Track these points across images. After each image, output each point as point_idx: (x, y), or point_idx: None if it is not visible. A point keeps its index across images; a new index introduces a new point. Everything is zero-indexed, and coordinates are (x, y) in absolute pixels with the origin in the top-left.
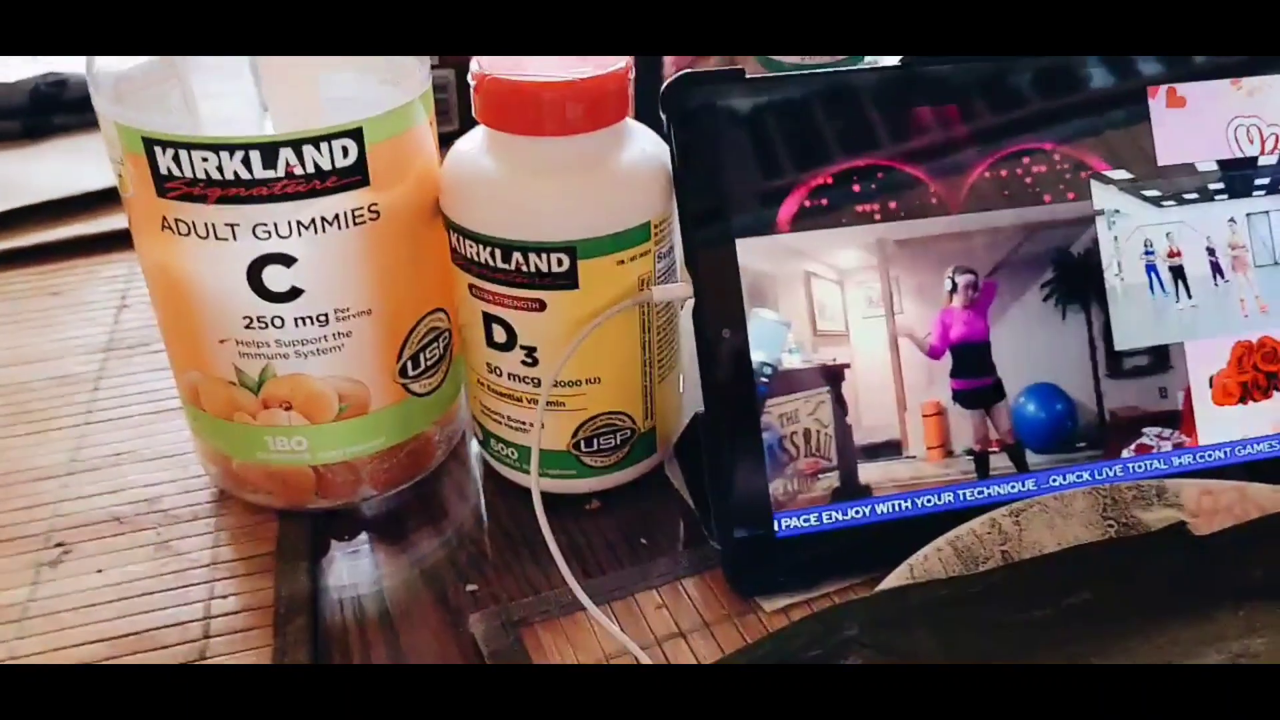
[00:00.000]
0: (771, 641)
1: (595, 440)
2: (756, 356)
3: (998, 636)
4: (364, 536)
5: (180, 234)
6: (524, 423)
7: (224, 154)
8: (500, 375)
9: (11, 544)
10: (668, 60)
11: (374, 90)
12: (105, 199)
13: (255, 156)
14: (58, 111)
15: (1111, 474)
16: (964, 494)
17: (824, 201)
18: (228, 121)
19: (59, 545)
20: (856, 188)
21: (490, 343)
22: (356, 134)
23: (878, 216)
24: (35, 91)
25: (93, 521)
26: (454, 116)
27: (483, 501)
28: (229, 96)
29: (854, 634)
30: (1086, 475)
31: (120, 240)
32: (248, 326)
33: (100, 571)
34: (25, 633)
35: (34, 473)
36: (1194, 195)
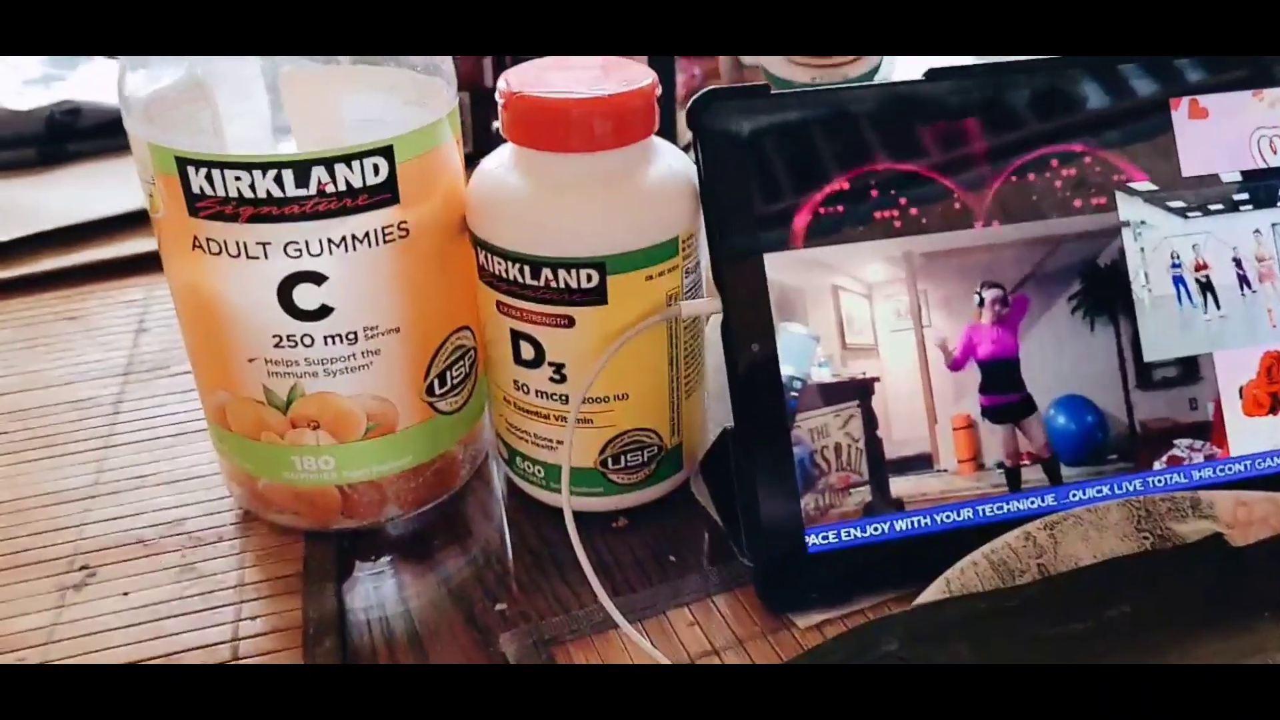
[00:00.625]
0: (808, 658)
1: (622, 457)
2: (786, 370)
3: (1036, 650)
4: (390, 556)
5: (211, 253)
6: (551, 440)
7: (256, 173)
8: (528, 392)
9: (35, 568)
10: (680, 79)
11: (398, 111)
12: (121, 224)
13: (288, 175)
14: (72, 139)
15: (1143, 486)
16: (996, 508)
17: (846, 211)
18: (246, 142)
19: (83, 569)
20: (882, 197)
21: (518, 360)
22: (387, 152)
23: (899, 225)
24: (50, 119)
25: (117, 544)
26: (469, 139)
27: (507, 520)
28: (247, 116)
29: (893, 648)
30: (1118, 488)
31: (137, 265)
32: (277, 345)
33: (125, 594)
34: (51, 657)
35: (56, 496)
36: (1219, 206)
